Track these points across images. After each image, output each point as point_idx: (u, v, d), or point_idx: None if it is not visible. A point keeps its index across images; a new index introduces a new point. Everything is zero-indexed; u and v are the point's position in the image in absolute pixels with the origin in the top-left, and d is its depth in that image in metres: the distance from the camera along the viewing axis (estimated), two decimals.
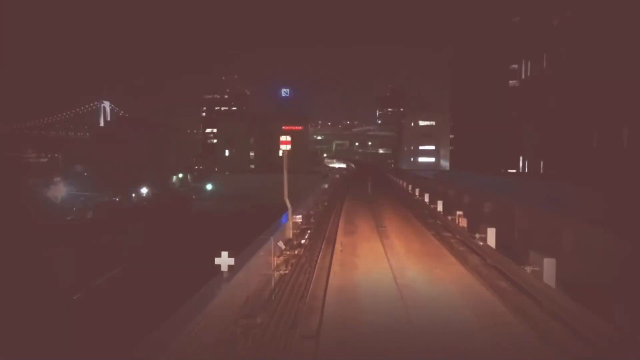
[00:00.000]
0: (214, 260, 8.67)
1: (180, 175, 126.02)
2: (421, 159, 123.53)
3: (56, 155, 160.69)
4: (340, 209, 27.86)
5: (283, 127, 78.07)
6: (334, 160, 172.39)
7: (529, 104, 53.17)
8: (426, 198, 28.38)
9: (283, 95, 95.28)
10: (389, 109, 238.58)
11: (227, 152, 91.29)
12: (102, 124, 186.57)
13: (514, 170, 64.25)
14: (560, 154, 43.94)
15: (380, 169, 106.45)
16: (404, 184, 44.32)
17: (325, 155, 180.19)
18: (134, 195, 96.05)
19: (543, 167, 47.31)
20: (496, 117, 68.25)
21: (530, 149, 51.86)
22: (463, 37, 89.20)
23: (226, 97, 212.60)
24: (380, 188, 43.95)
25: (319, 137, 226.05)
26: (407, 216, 26.13)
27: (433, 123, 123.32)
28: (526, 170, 53.59)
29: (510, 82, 64.99)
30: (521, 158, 60.77)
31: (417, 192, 33.66)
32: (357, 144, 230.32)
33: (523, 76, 60.93)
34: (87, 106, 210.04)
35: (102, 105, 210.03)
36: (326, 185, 48.05)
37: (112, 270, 40.09)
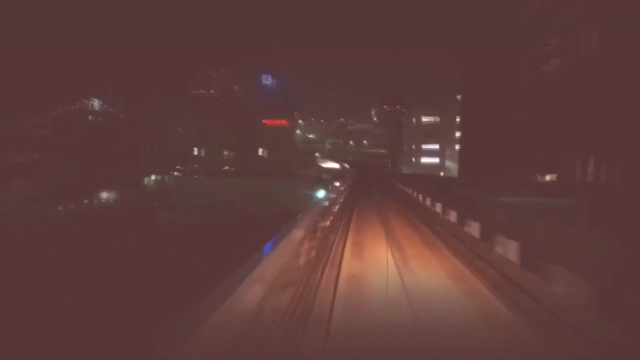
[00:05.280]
0: None
1: (153, 177, 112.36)
2: (424, 160, 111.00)
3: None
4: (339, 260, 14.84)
5: (263, 121, 65.06)
6: (327, 161, 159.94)
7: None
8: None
9: (264, 82, 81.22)
10: (385, 106, 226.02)
11: (196, 151, 77.74)
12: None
13: (549, 177, 51.34)
14: None
15: (381, 172, 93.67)
16: (425, 200, 31.04)
17: (317, 154, 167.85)
18: (86, 201, 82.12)
19: (621, 175, 33.90)
20: (525, 104, 55.02)
21: (592, 146, 38.33)
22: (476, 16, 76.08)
23: (212, 91, 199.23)
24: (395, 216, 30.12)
25: (311, 136, 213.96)
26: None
27: (437, 119, 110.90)
28: (588, 178, 39.78)
29: (546, 62, 51.81)
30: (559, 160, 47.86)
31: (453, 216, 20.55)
32: (351, 142, 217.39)
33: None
34: (74, 104, 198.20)
35: (91, 103, 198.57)
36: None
37: None
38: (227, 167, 74.93)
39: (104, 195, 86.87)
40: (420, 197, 32.78)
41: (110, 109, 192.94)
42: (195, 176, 72.08)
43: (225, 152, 75.56)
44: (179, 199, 74.96)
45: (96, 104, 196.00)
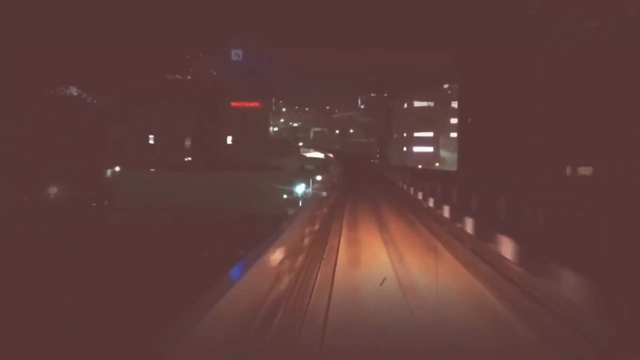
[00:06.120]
0: None
1: (118, 169, 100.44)
2: (416, 149, 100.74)
3: None
4: None
5: (232, 104, 54.47)
6: (311, 150, 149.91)
7: None
8: None
9: (233, 59, 69.86)
10: (372, 94, 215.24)
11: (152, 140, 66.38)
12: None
13: (585, 169, 41.48)
14: None
15: (370, 166, 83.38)
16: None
17: (301, 144, 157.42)
18: (25, 198, 70.06)
19: None
20: (550, 81, 44.74)
21: None
22: None
23: (189, 77, 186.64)
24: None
25: (296, 124, 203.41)
26: None
27: (431, 104, 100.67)
28: None
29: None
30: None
31: None
32: (337, 131, 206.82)
33: None
34: (53, 92, 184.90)
35: (69, 91, 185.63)
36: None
37: None
38: (189, 158, 64.01)
39: (53, 191, 75.00)
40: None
41: (87, 97, 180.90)
42: (152, 169, 61.15)
43: (188, 142, 64.46)
44: (132, 197, 64.05)
45: (74, 91, 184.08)
